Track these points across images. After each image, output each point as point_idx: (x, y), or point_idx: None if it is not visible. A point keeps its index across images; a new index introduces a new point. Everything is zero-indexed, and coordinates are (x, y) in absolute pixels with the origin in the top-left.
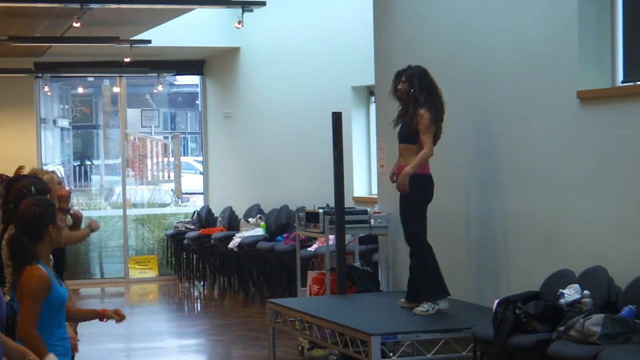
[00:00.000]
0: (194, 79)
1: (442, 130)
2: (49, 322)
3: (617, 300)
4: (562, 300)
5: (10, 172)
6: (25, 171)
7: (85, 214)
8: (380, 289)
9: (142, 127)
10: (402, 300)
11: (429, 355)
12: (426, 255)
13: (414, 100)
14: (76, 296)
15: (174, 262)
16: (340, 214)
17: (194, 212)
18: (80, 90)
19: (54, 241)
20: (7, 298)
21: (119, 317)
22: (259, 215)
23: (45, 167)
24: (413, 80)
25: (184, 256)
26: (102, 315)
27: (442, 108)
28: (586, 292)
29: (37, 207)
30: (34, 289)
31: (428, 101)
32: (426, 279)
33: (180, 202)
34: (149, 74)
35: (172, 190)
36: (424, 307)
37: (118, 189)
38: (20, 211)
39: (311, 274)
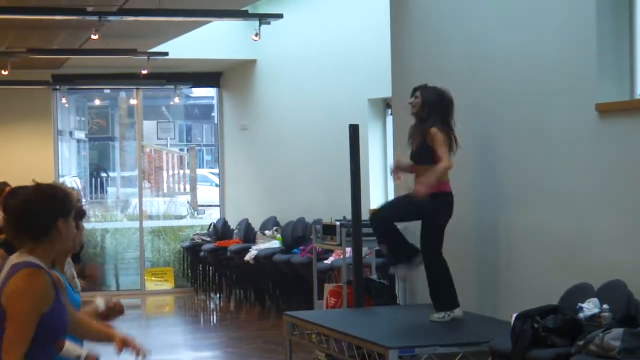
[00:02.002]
0: (210, 91)
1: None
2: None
3: (637, 315)
4: (581, 314)
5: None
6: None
7: (101, 226)
8: (398, 302)
9: (158, 139)
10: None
11: None
12: (442, 267)
13: (425, 118)
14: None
15: (190, 274)
16: (357, 227)
17: (210, 224)
18: (97, 102)
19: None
20: None
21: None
22: (275, 228)
23: (62, 180)
24: (427, 98)
25: (200, 268)
26: (119, 344)
27: (455, 141)
28: (605, 306)
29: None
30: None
31: (438, 123)
32: (442, 289)
33: (196, 214)
34: (165, 86)
35: (187, 202)
36: (439, 314)
37: (134, 201)
38: None
39: (328, 287)
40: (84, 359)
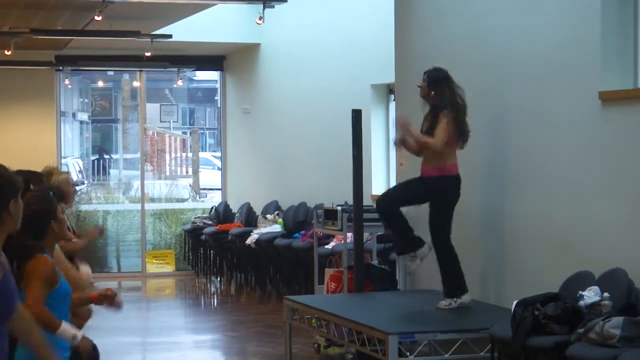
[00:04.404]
0: (214, 75)
1: (468, 132)
2: (54, 313)
3: (637, 303)
4: (581, 302)
5: (30, 165)
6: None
7: (103, 207)
8: (398, 287)
9: (160, 122)
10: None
11: (446, 355)
12: (453, 253)
13: (439, 105)
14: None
15: (191, 257)
16: (359, 212)
17: (212, 208)
18: (100, 84)
19: (57, 236)
20: None
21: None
22: (276, 212)
23: (62, 163)
24: (432, 82)
25: (201, 251)
26: (96, 299)
27: (462, 109)
28: (606, 294)
29: (36, 205)
30: (43, 273)
31: (447, 104)
32: (453, 275)
33: (198, 198)
34: (168, 69)
35: (190, 185)
36: (446, 301)
37: (136, 184)
38: None
39: (328, 272)
40: (78, 341)
